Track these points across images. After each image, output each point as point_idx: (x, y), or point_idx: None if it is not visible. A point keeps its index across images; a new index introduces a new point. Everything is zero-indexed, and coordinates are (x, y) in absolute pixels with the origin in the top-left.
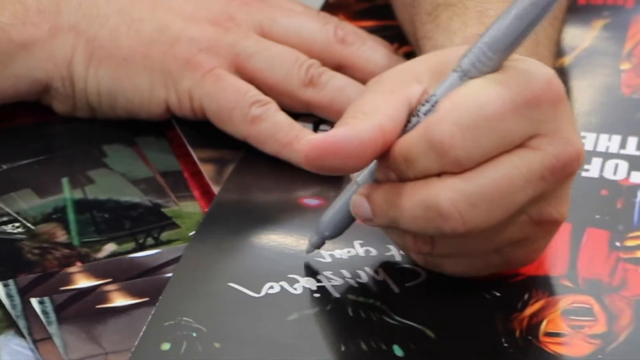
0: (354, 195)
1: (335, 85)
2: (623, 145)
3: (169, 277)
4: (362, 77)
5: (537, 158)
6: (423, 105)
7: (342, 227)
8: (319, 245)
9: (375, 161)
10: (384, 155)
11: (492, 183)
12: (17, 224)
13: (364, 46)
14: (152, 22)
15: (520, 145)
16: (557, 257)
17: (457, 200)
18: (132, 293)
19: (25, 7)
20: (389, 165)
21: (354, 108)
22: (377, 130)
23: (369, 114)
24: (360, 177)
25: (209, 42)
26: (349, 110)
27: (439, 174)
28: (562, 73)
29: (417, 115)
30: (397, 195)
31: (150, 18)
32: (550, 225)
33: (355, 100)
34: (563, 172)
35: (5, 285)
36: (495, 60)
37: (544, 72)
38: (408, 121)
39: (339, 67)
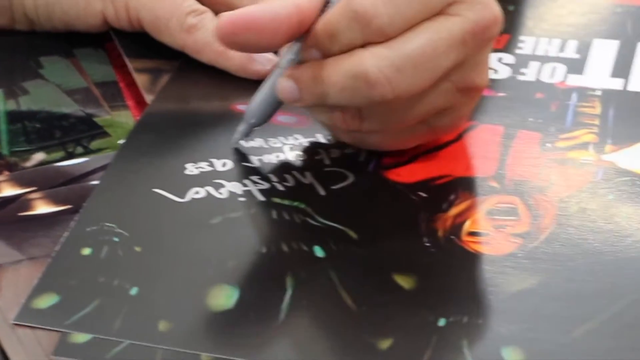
0: (280, 78)
1: None
2: (562, 48)
3: (95, 184)
4: None
5: (457, 23)
6: None
7: (269, 113)
8: (247, 133)
9: (297, 45)
10: (307, 36)
11: (417, 48)
12: None
13: None
14: None
15: (440, 12)
16: (486, 159)
17: (384, 66)
18: (56, 200)
19: None
20: (312, 45)
21: None
22: (292, 6)
23: None
24: (284, 61)
25: None
26: None
27: (363, 46)
28: None
29: None
30: (323, 69)
31: None
32: (473, 92)
33: None
34: (483, 36)
35: None
36: None
37: None
38: (328, 2)
39: None
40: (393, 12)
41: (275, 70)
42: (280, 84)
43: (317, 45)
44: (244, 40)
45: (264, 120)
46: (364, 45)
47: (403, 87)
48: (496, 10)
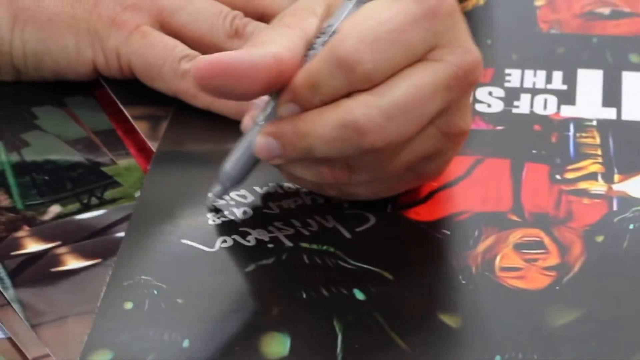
0: (258, 136)
1: None
2: (549, 80)
3: (119, 237)
4: None
5: (441, 68)
6: (319, 37)
7: (244, 173)
8: (221, 195)
9: (273, 103)
10: (285, 91)
11: (404, 94)
12: None
13: None
14: None
15: (422, 59)
16: (500, 193)
17: (373, 114)
18: (85, 255)
19: None
20: (290, 99)
21: (251, 40)
22: (271, 56)
23: (265, 43)
24: (260, 119)
25: (132, 0)
26: (247, 43)
27: (347, 95)
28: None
29: (314, 48)
30: (308, 122)
31: None
32: (458, 136)
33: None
34: (466, 81)
35: None
36: None
37: None
38: (306, 55)
39: (262, 17)
40: (378, 57)
41: (251, 128)
42: (259, 141)
43: (296, 98)
44: (220, 85)
45: (241, 180)
46: (347, 95)
47: (393, 135)
48: (477, 53)
